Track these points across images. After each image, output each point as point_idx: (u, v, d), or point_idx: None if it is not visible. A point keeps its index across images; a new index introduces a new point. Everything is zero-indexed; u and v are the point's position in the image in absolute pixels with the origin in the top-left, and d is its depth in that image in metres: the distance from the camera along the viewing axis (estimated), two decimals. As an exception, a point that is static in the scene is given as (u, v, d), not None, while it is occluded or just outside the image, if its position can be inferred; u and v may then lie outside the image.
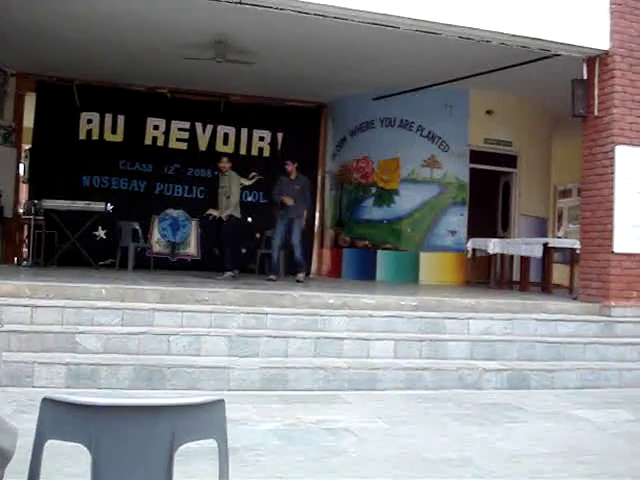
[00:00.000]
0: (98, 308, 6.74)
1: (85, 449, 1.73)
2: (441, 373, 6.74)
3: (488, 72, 10.80)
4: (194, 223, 13.58)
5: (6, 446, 1.92)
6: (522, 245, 11.14)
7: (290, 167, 10.59)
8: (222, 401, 1.81)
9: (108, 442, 1.67)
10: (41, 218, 11.64)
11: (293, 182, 10.53)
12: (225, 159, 10.81)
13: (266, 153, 14.02)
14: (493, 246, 11.31)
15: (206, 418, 1.79)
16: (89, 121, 13.29)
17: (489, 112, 12.69)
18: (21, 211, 13.20)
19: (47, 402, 1.69)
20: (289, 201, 10.30)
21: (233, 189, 10.52)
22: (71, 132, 13.11)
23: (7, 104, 12.78)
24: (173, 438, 1.71)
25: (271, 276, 10.32)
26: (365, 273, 12.87)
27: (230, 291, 7.65)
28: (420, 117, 12.67)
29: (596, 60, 8.94)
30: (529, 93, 12.38)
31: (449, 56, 10.31)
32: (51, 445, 1.77)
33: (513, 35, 8.51)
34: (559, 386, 6.99)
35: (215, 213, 10.66)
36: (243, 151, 13.88)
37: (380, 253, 12.85)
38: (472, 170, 12.77)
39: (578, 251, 9.79)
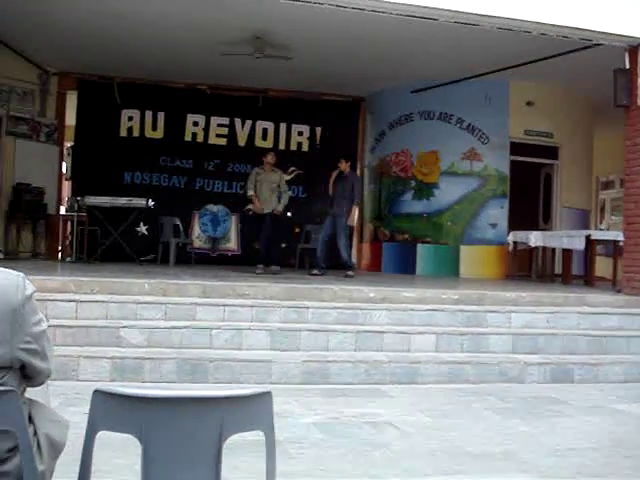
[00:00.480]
0: (141, 303, 6.83)
1: (134, 441, 1.76)
2: (483, 367, 6.71)
3: (528, 63, 10.69)
4: (234, 218, 13.66)
5: (57, 437, 1.97)
6: (564, 237, 10.99)
7: (343, 165, 10.62)
8: (269, 393, 1.83)
9: (158, 433, 1.70)
10: (84, 215, 11.84)
11: (344, 179, 10.58)
12: (272, 154, 10.90)
13: (305, 148, 14.08)
14: (534, 239, 11.19)
15: (254, 410, 1.81)
16: (130, 118, 13.47)
17: (529, 103, 12.56)
18: (64, 208, 13.42)
19: (98, 394, 1.72)
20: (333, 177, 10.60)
21: (284, 186, 10.75)
22: (112, 129, 13.31)
23: (49, 103, 13.00)
24: (222, 429, 1.73)
25: (314, 271, 10.35)
26: (405, 267, 12.84)
27: (271, 285, 7.69)
28: (459, 109, 12.60)
29: (638, 49, 8.79)
30: (570, 84, 12.22)
31: (488, 47, 10.22)
32: (102, 435, 1.81)
33: (553, 25, 8.41)
34: (603, 380, 6.91)
35: (254, 208, 10.67)
36: (282, 146, 13.94)
37: (420, 247, 12.82)
38: (512, 162, 12.67)
39: (621, 243, 9.66)
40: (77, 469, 1.82)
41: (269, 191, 10.53)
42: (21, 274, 1.75)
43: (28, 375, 1.84)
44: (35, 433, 1.87)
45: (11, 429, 1.72)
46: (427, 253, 12.75)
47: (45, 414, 1.98)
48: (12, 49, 11.37)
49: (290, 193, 13.58)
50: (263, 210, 10.47)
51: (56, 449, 1.96)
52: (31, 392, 2.01)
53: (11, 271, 1.76)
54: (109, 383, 5.81)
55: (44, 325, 1.82)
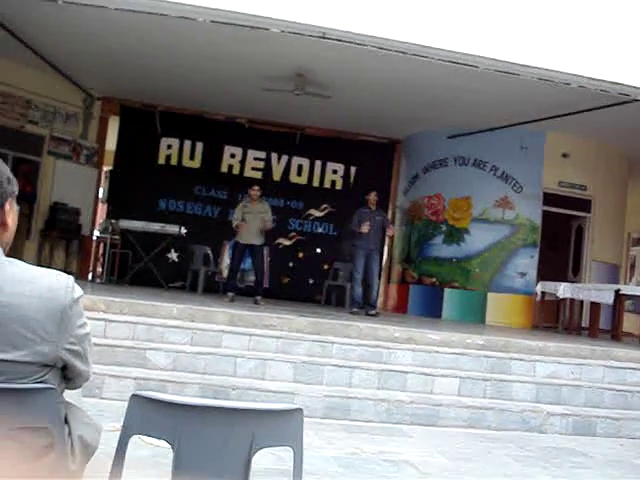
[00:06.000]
0: (169, 326, 6.91)
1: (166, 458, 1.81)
2: (505, 414, 6.67)
3: (565, 115, 10.74)
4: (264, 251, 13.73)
5: (90, 440, 2.02)
6: (593, 291, 10.95)
7: (373, 197, 10.55)
8: (300, 410, 1.88)
9: (190, 440, 1.75)
10: (117, 237, 12.01)
11: (373, 213, 10.56)
12: (257, 187, 10.79)
13: (338, 186, 14.17)
14: (563, 290, 11.15)
15: (284, 425, 1.86)
16: (169, 146, 13.69)
17: (565, 155, 12.58)
18: (97, 230, 13.63)
19: (135, 399, 1.78)
20: (365, 228, 10.21)
21: (269, 216, 10.49)
22: (151, 156, 13.53)
23: (92, 126, 13.26)
24: (252, 441, 1.78)
25: (354, 309, 10.31)
26: (431, 310, 12.81)
27: (298, 318, 7.73)
28: (494, 157, 12.65)
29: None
30: (606, 137, 12.25)
31: (526, 97, 10.29)
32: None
33: (592, 78, 8.46)
34: (625, 435, 6.83)
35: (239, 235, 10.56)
36: (316, 183, 14.08)
37: (447, 291, 12.80)
38: (545, 212, 12.66)
39: (651, 300, 9.59)
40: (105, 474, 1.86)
41: (258, 222, 10.34)
42: (71, 277, 1.82)
43: (68, 376, 1.90)
44: (69, 434, 1.92)
45: (48, 426, 1.77)
46: (454, 298, 12.73)
47: (80, 417, 2.03)
48: (59, 72, 11.63)
49: (321, 230, 13.80)
50: (249, 240, 10.38)
51: (88, 451, 2.00)
52: (66, 396, 2.06)
53: (61, 273, 1.83)
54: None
55: (87, 328, 1.89)
